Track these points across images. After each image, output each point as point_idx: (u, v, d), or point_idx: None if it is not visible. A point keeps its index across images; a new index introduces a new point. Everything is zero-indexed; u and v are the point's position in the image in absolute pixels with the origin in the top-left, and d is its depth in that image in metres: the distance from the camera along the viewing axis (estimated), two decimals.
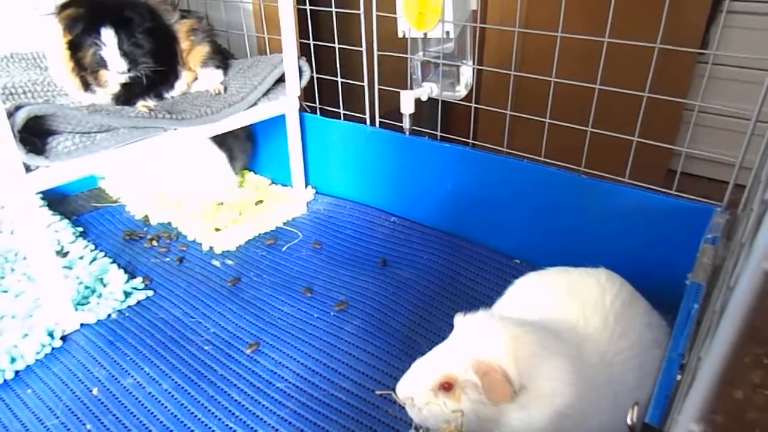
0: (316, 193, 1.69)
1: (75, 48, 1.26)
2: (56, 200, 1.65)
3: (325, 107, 1.62)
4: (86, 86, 1.30)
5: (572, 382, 0.78)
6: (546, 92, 1.20)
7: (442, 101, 1.45)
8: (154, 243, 1.48)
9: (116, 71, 1.25)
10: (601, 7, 1.09)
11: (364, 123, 1.53)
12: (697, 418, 0.25)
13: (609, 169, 1.19)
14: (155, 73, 1.32)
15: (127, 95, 1.32)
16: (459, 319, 0.84)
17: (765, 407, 1.48)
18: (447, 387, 0.78)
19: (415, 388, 0.80)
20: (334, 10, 1.45)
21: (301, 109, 1.59)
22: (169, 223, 1.56)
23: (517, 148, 1.30)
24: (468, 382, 0.77)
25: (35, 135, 1.09)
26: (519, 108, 1.29)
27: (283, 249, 1.45)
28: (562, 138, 1.22)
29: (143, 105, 1.30)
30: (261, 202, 1.64)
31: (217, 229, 1.51)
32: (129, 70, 1.26)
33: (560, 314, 0.90)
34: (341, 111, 1.57)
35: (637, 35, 1.07)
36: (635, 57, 1.11)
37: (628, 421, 0.55)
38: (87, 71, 1.27)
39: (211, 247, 1.45)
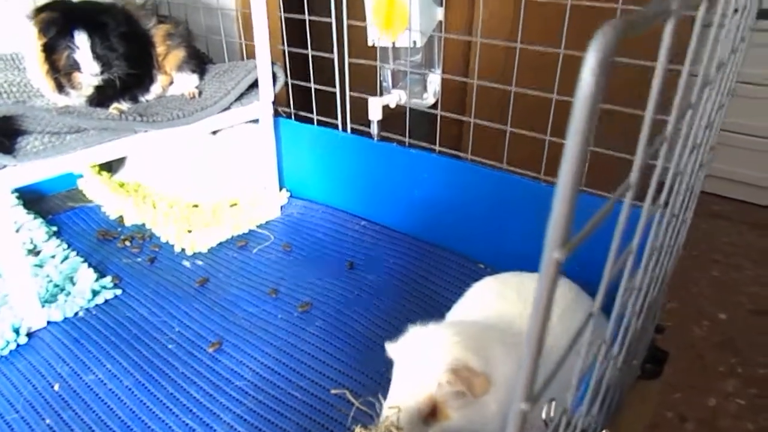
0: (291, 197, 1.71)
1: (50, 51, 1.28)
2: (33, 200, 1.67)
3: (301, 113, 1.65)
4: (60, 88, 1.33)
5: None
6: (535, 104, 1.20)
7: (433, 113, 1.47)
8: (127, 243, 1.50)
9: (89, 74, 1.27)
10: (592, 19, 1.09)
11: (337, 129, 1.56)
12: (524, 398, 0.28)
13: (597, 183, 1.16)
14: (130, 77, 1.35)
15: (101, 98, 1.34)
16: (392, 348, 0.83)
17: (737, 415, 1.51)
18: (433, 412, 0.75)
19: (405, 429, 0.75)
20: (307, 17, 1.48)
21: (276, 114, 1.62)
22: (143, 224, 1.58)
23: (510, 159, 1.31)
24: (446, 395, 0.75)
25: (5, 135, 1.11)
26: (510, 120, 1.29)
27: (254, 251, 1.47)
28: (552, 150, 1.22)
29: (115, 107, 1.33)
30: (235, 204, 1.67)
31: (190, 231, 1.53)
32: (102, 73, 1.28)
33: (507, 314, 0.93)
34: (314, 117, 1.59)
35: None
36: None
37: (543, 416, 0.57)
38: (61, 73, 1.30)
39: (183, 249, 1.47)
